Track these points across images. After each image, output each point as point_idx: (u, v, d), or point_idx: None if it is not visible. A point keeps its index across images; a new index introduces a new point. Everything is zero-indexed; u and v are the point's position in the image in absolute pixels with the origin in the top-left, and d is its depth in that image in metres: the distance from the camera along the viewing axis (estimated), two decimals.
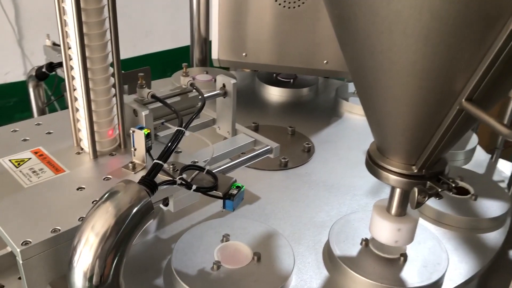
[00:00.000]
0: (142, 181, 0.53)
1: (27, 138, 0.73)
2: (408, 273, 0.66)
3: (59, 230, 0.55)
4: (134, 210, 0.50)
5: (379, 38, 0.50)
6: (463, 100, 0.50)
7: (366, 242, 0.71)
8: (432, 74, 0.50)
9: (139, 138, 0.65)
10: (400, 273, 0.67)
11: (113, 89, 0.68)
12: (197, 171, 0.64)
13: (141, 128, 0.65)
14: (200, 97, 0.77)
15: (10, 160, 0.67)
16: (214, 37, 1.16)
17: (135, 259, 0.69)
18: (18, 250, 0.52)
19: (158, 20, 2.90)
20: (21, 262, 0.52)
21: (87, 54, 0.63)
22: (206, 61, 1.38)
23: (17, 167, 0.65)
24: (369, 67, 0.54)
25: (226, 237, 0.70)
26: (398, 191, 0.65)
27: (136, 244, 0.72)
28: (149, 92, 0.72)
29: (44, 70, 1.01)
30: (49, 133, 0.75)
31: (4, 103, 2.57)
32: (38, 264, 0.54)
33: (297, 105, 1.23)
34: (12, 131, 0.75)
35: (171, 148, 0.60)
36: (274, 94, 1.27)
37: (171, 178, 0.59)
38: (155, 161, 0.58)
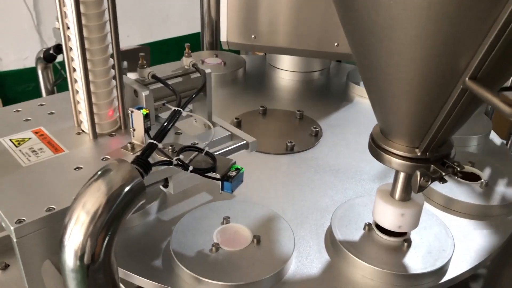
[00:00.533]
0: (136, 161, 0.53)
1: (29, 118, 0.73)
2: (412, 259, 0.65)
3: (54, 209, 0.54)
4: (126, 189, 0.49)
5: (378, 13, 0.48)
6: (467, 78, 0.47)
7: (369, 227, 0.69)
8: (435, 51, 0.47)
9: (137, 118, 0.65)
10: (403, 259, 0.65)
11: (112, 71, 0.68)
12: (196, 153, 0.63)
13: (140, 109, 0.64)
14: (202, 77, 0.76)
15: (10, 140, 0.67)
16: (223, 18, 1.14)
17: (135, 240, 0.69)
18: (12, 228, 0.52)
19: (175, 5, 2.89)
20: (15, 240, 0.52)
21: (85, 35, 0.62)
22: (216, 44, 1.37)
23: (17, 147, 0.65)
24: (370, 46, 0.52)
25: (226, 220, 0.69)
26: (402, 175, 0.63)
27: (136, 225, 0.71)
28: (150, 72, 0.71)
29: (51, 52, 1.00)
30: (51, 113, 0.75)
31: (24, 88, 2.60)
32: (33, 242, 0.54)
33: (307, 89, 1.21)
34: (15, 111, 0.75)
35: (167, 128, 0.60)
36: (284, 78, 1.25)
37: (167, 159, 0.58)
38: (150, 141, 0.57)
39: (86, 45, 0.63)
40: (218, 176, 0.61)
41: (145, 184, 0.52)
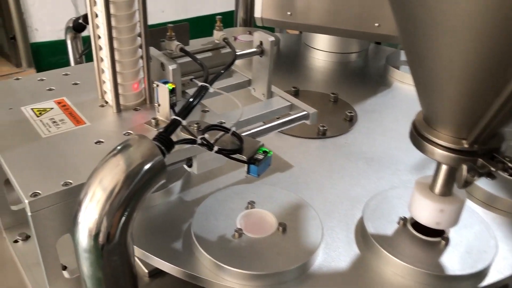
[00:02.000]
0: (157, 138, 0.49)
1: (53, 87, 0.70)
2: (449, 259, 0.60)
3: (71, 183, 0.52)
4: (145, 167, 0.46)
5: None
6: None
7: (404, 221, 0.64)
8: (494, 29, 0.42)
9: (163, 93, 0.61)
10: (439, 258, 0.60)
11: (139, 39, 0.64)
12: (222, 132, 0.59)
13: (165, 83, 0.61)
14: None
15: (32, 109, 0.65)
16: None
17: (156, 219, 0.66)
18: (26, 201, 0.49)
19: None
20: (29, 214, 0.50)
21: None
22: (250, 21, 1.32)
23: (38, 116, 0.63)
24: (418, 21, 0.47)
25: (251, 204, 0.66)
26: (444, 167, 0.57)
27: (158, 204, 0.69)
28: (178, 45, 0.67)
29: (81, 21, 0.98)
30: (76, 84, 0.72)
31: (58, 60, 2.61)
32: (48, 217, 0.51)
33: (343, 72, 1.15)
34: (39, 79, 0.72)
35: (192, 104, 0.56)
36: (320, 58, 1.19)
37: (191, 137, 0.54)
38: (174, 117, 0.53)
39: (112, 11, 0.59)
40: (244, 158, 0.57)
41: (166, 162, 0.49)
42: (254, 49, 0.77)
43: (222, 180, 0.75)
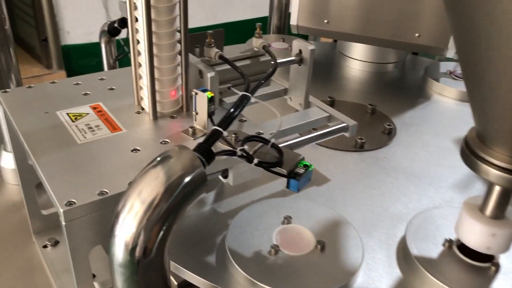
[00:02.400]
0: (198, 149, 0.47)
1: (89, 92, 0.69)
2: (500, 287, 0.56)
3: (106, 193, 0.50)
4: (186, 180, 0.44)
5: None
6: None
7: (449, 243, 0.61)
8: None
9: (201, 101, 0.59)
10: (489, 286, 0.56)
11: (178, 45, 0.62)
12: (261, 144, 0.57)
13: (204, 91, 0.59)
14: (272, 62, 0.69)
15: (67, 114, 0.63)
16: (295, 0, 1.07)
17: (188, 231, 0.64)
18: (61, 210, 0.48)
19: None
20: (63, 223, 0.48)
21: (152, 3, 0.57)
22: (283, 28, 1.30)
23: (73, 122, 0.62)
24: (480, 30, 0.43)
25: (287, 219, 0.63)
26: (498, 189, 0.54)
27: (190, 215, 0.67)
28: (217, 52, 0.65)
29: (116, 25, 0.97)
30: (111, 89, 0.71)
31: (88, 62, 2.64)
32: (82, 227, 0.49)
33: (380, 82, 1.12)
34: (74, 83, 0.71)
35: (234, 115, 0.54)
36: (355, 68, 1.16)
37: (231, 149, 0.52)
38: (214, 127, 0.51)
39: (153, 15, 0.58)
40: (284, 172, 0.55)
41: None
42: (293, 58, 0.75)
43: (256, 192, 0.72)
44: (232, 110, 0.55)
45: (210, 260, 0.60)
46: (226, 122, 0.52)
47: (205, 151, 0.47)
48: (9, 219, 0.84)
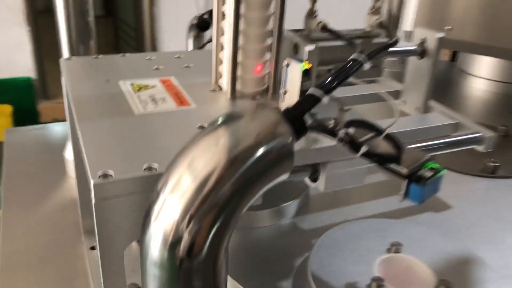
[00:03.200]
0: (286, 112, 0.33)
1: (161, 67, 0.58)
2: None
3: (156, 169, 0.37)
4: (264, 149, 0.30)
5: None
6: None
7: None
8: None
9: (294, 74, 0.45)
10: None
11: (271, 8, 0.50)
12: (371, 134, 0.41)
13: (299, 62, 0.45)
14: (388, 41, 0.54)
15: (131, 84, 0.52)
16: (409, 5, 0.91)
17: (260, 246, 0.49)
18: (92, 182, 0.35)
19: None
20: (93, 201, 0.36)
21: None
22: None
23: (135, 92, 0.50)
24: None
25: (396, 247, 0.46)
26: None
27: (264, 227, 0.52)
28: (320, 22, 0.52)
29: (206, 17, 0.88)
30: (187, 67, 0.59)
31: None
32: (118, 211, 0.37)
33: (509, 103, 0.91)
34: (147, 59, 0.61)
35: (341, 77, 0.38)
36: (480, 87, 0.97)
37: (330, 127, 0.37)
38: (312, 88, 0.36)
39: None
40: (403, 171, 0.38)
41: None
42: (413, 47, 0.59)
43: (351, 211, 0.56)
44: (339, 70, 0.39)
45: (285, 286, 0.44)
46: (328, 85, 0.37)
47: (295, 118, 0.32)
48: (66, 215, 0.75)
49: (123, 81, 0.53)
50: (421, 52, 0.60)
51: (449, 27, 0.87)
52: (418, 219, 0.54)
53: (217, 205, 0.29)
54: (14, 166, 0.82)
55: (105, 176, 0.36)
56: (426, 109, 0.62)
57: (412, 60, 0.62)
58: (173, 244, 0.29)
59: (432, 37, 0.59)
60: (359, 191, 0.60)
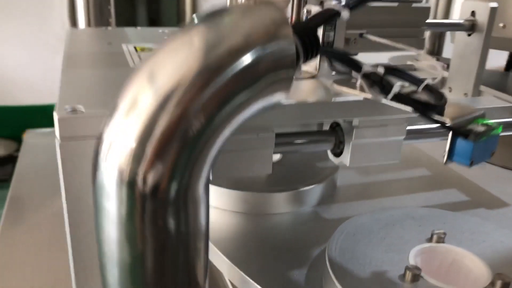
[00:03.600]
0: (294, 25, 0.25)
1: None
2: None
3: None
4: (256, 53, 0.22)
5: None
6: None
7: None
8: None
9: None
10: None
11: None
12: (408, 84, 0.33)
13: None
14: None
15: (134, 47, 0.47)
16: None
17: (274, 234, 0.41)
18: (57, 117, 0.29)
19: None
20: (57, 142, 0.29)
21: None
22: (439, 47, 1.05)
23: (137, 52, 0.45)
24: None
25: (438, 236, 0.37)
26: None
27: (281, 213, 0.44)
28: None
29: None
30: None
31: None
32: (86, 154, 0.30)
33: None
34: (160, 31, 0.56)
35: None
36: None
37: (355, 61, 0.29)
38: (330, 2, 0.29)
39: None
40: (448, 121, 0.30)
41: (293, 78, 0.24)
42: (460, 20, 0.52)
43: (384, 204, 0.47)
44: None
45: (299, 279, 0.36)
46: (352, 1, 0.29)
47: (306, 30, 0.25)
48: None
49: (126, 44, 0.48)
50: (471, 27, 0.52)
51: (502, 25, 0.78)
52: (468, 214, 0.45)
53: (186, 129, 0.21)
54: (27, 166, 0.78)
55: (73, 111, 0.29)
56: (476, 94, 0.53)
57: (459, 38, 0.54)
58: (131, 180, 0.22)
59: (485, 10, 0.51)
60: (396, 183, 0.51)
